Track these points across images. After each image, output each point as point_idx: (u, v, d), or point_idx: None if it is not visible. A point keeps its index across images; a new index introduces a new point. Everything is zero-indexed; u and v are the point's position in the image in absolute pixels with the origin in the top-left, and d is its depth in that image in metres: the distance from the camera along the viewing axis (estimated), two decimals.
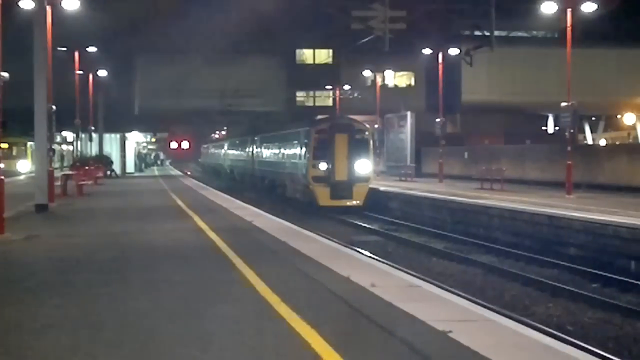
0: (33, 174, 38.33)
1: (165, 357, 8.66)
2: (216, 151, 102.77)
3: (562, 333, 13.80)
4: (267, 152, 56.99)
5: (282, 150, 49.66)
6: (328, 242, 20.11)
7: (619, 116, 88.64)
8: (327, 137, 40.28)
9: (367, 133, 41.80)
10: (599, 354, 11.29)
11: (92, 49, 60.17)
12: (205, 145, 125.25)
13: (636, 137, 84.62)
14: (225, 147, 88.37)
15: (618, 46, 72.97)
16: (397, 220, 36.07)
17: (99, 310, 11.27)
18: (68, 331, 9.94)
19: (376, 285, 12.84)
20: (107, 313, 11.06)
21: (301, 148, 42.84)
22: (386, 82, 78.19)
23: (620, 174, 42.50)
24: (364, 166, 40.42)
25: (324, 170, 40.12)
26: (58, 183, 40.43)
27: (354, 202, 40.09)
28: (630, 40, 72.60)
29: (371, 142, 41.83)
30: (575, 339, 13.28)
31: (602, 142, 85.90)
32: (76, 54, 56.42)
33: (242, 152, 72.21)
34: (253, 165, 63.23)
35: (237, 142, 77.89)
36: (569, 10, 36.47)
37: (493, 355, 8.50)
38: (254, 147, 62.73)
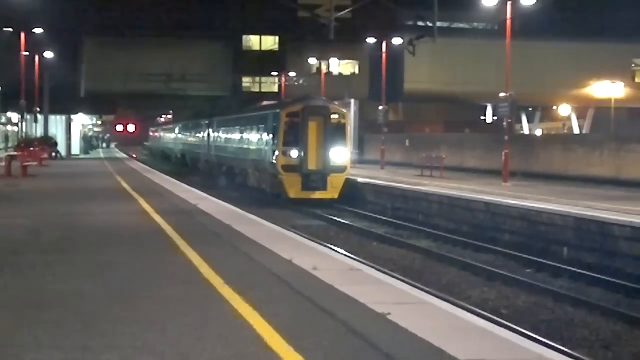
0: None
1: (107, 337, 8.60)
2: (166, 135, 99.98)
3: (497, 316, 13.94)
4: (225, 137, 51.89)
5: (245, 135, 44.58)
6: (272, 225, 20.08)
7: (554, 108, 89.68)
8: (300, 120, 35.61)
9: (343, 118, 36.94)
10: (532, 337, 11.41)
11: (38, 31, 59.55)
12: (153, 129, 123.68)
13: (571, 128, 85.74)
14: (177, 131, 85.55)
15: (556, 40, 73.81)
16: (339, 206, 36.06)
17: (43, 291, 11.17)
18: (11, 311, 9.86)
19: (318, 268, 12.87)
20: (51, 293, 10.97)
21: (269, 133, 38.01)
22: (331, 69, 78.17)
23: (555, 164, 43.10)
24: (340, 155, 35.83)
25: (295, 159, 35.48)
26: (2, 164, 39.97)
27: (329, 195, 35.68)
28: (567, 35, 73.52)
29: (348, 127, 37.34)
30: (509, 322, 13.41)
31: (539, 133, 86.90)
32: (22, 35, 55.75)
33: (196, 136, 67.93)
34: (209, 150, 58.36)
35: (191, 125, 74.17)
36: (509, 3, 36.78)
37: (430, 337, 8.55)
38: (210, 131, 57.92)
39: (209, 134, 58.31)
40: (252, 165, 41.96)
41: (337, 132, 35.70)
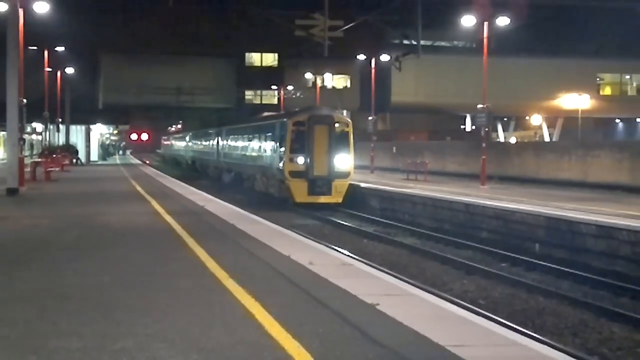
0: (5, 161, 37.78)
1: (122, 325, 8.60)
2: (177, 143, 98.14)
3: (475, 306, 13.94)
4: (234, 145, 49.66)
5: (253, 143, 42.45)
6: (272, 224, 20.07)
7: (527, 117, 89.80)
8: (306, 129, 33.84)
9: (347, 126, 34.95)
10: (507, 324, 11.42)
11: (60, 48, 59.63)
12: (165, 137, 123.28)
13: (542, 136, 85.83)
14: (187, 139, 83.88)
15: (528, 56, 73.93)
16: (333, 206, 35.93)
17: (64, 284, 11.16)
18: (35, 302, 9.85)
19: (314, 263, 12.87)
20: (71, 286, 10.96)
21: (276, 141, 36.17)
22: (325, 83, 78.25)
23: (527, 168, 43.14)
24: (344, 161, 34.06)
25: (301, 165, 33.74)
26: (28, 169, 39.93)
27: (333, 199, 33.93)
28: (539, 52, 73.71)
29: (352, 135, 34.99)
30: (486, 311, 13.42)
31: (513, 140, 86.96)
32: (45, 52, 55.79)
33: (206, 144, 65.25)
34: (218, 157, 56.07)
35: (200, 134, 72.16)
36: (485, 23, 36.89)
37: (415, 325, 8.56)
38: (220, 138, 55.68)
39: (217, 142, 56.42)
40: (260, 171, 40.35)
41: (341, 139, 34.18)
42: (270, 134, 37.74)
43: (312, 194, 33.57)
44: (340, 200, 33.95)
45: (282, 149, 34.52)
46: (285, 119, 35.65)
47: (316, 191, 33.52)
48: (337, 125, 34.24)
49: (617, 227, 19.80)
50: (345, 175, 34.19)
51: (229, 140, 51.43)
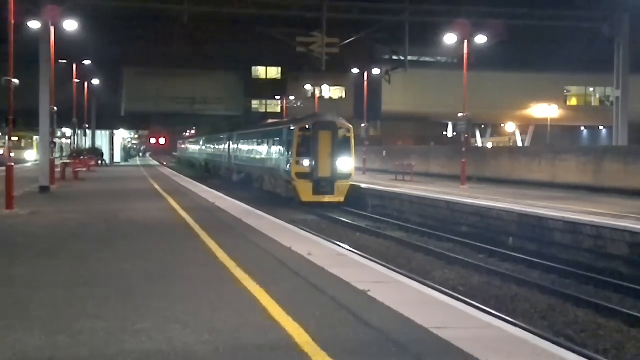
0: (38, 162, 37.83)
1: (142, 308, 8.63)
2: (192, 146, 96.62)
3: (455, 292, 13.96)
4: (244, 148, 48.13)
5: (262, 147, 41.10)
6: (275, 219, 20.10)
7: (502, 125, 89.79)
8: (311, 134, 32.74)
9: (349, 132, 33.85)
10: (483, 309, 11.44)
11: (87, 62, 59.76)
12: (181, 141, 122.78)
13: (515, 141, 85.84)
14: (201, 143, 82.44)
15: (503, 71, 73.94)
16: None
17: (90, 272, 11.20)
18: (64, 287, 9.89)
19: (312, 254, 12.90)
20: (96, 274, 11.00)
21: (284, 145, 35.04)
22: (323, 94, 78.24)
23: (502, 170, 43.06)
24: (346, 164, 33.03)
25: (307, 167, 32.67)
26: (58, 170, 39.95)
27: (336, 199, 32.88)
28: (513, 67, 73.79)
29: (353, 140, 33.95)
30: (465, 297, 13.45)
31: (489, 145, 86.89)
32: (74, 66, 55.86)
33: (218, 148, 63.74)
34: (229, 159, 54.74)
35: (213, 138, 70.10)
36: (465, 41, 36.96)
37: (402, 309, 8.59)
38: (231, 143, 54.24)
39: (229, 146, 55.05)
40: (268, 173, 39.05)
41: (343, 144, 33.08)
42: (278, 138, 36.65)
43: (317, 194, 32.64)
44: (342, 199, 33.08)
45: (289, 152, 33.56)
46: (292, 126, 34.68)
47: (320, 191, 32.61)
48: (339, 130, 33.26)
49: (582, 222, 19.84)
50: (347, 176, 33.27)
51: (240, 145, 50.22)
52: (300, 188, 32.68)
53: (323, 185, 32.54)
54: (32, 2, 33.51)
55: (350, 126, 34.13)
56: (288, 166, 33.57)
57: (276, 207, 31.53)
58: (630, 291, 15.18)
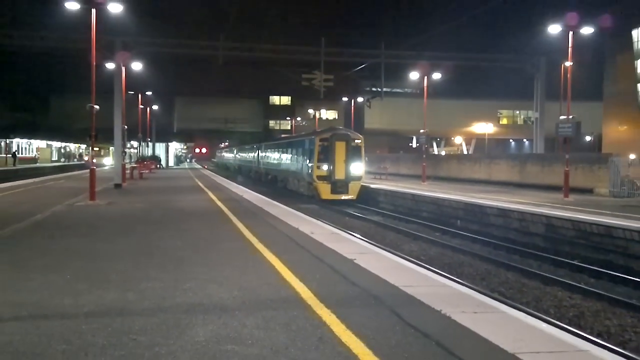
0: (113, 166, 37.77)
1: (189, 272, 8.62)
2: (227, 154, 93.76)
3: (419, 260, 13.96)
4: (271, 155, 44.86)
5: (287, 154, 37.98)
6: (286, 207, 20.06)
7: (452, 138, 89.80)
8: (329, 144, 30.27)
9: (360, 142, 30.98)
10: (439, 272, 11.41)
11: (148, 92, 59.82)
12: (219, 150, 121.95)
13: (462, 150, 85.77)
14: (235, 152, 79.67)
15: (453, 98, 74.01)
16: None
17: (151, 246, 11.18)
18: (132, 258, 9.87)
19: (314, 232, 12.89)
20: (155, 248, 10.98)
21: (306, 153, 32.44)
22: (321, 116, 78.29)
23: (452, 171, 43.06)
24: (357, 168, 30.46)
25: (326, 171, 30.23)
26: (127, 172, 39.91)
27: (349, 196, 30.40)
28: (460, 95, 73.92)
29: (363, 149, 31.15)
30: (426, 264, 13.44)
31: (443, 153, 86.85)
32: (139, 95, 55.90)
33: (249, 155, 60.04)
34: (258, 164, 51.18)
35: (245, 148, 66.34)
36: (425, 77, 36.98)
37: (379, 272, 8.59)
38: (260, 151, 50.88)
39: (258, 154, 51.73)
40: (292, 175, 35.92)
41: (355, 152, 30.34)
42: (301, 148, 33.93)
43: (334, 193, 30.24)
44: (355, 197, 30.41)
45: (311, 159, 30.99)
46: (313, 137, 31.94)
47: (337, 190, 30.22)
48: (352, 141, 30.56)
49: (510, 209, 19.85)
50: (359, 178, 30.65)
51: (267, 152, 47.11)
52: (321, 188, 30.37)
53: (339, 185, 30.24)
54: (109, 49, 33.55)
55: (361, 137, 31.45)
56: (310, 170, 31.09)
57: (287, 199, 31.50)
58: (546, 259, 15.20)
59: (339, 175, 30.17)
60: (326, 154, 30.29)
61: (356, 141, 30.76)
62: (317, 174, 30.37)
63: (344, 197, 30.27)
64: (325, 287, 7.67)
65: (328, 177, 30.22)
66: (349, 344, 5.45)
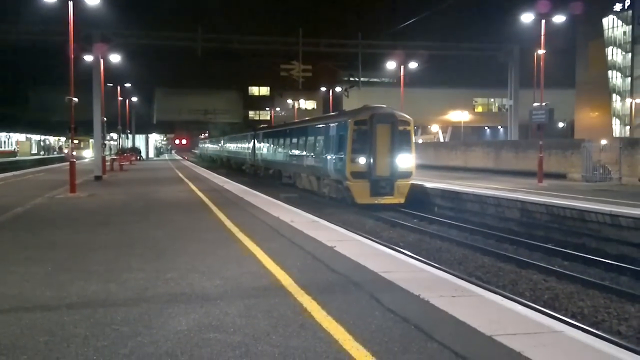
0: (93, 158, 37.41)
1: (171, 262, 8.57)
2: (212, 145, 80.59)
3: (397, 247, 14.02)
4: (273, 145, 35.50)
5: (299, 143, 28.80)
6: (266, 197, 20.01)
7: (429, 126, 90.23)
8: (368, 128, 21.65)
9: (409, 126, 22.38)
10: (417, 257, 11.50)
11: (127, 84, 59.28)
12: (202, 140, 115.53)
13: (438, 138, 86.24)
14: (222, 142, 67.65)
15: (430, 87, 74.34)
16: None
17: (131, 237, 11.09)
18: (114, 249, 9.78)
19: (294, 221, 12.88)
20: (137, 238, 10.90)
21: (332, 141, 23.54)
22: (301, 106, 78.12)
23: (430, 158, 43.29)
24: (406, 161, 21.98)
25: (362, 165, 21.61)
26: (107, 163, 39.53)
27: (396, 200, 21.93)
28: (436, 84, 74.23)
29: (412, 134, 22.57)
30: (404, 249, 13.50)
31: (420, 141, 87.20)
32: (118, 87, 55.38)
33: (240, 146, 50.30)
34: (254, 157, 42.01)
35: (235, 138, 56.41)
36: (402, 66, 37.06)
37: (358, 258, 8.61)
38: (256, 141, 41.52)
39: (254, 144, 42.18)
40: (307, 171, 27.44)
41: (403, 138, 22.02)
42: (323, 135, 24.89)
43: (375, 195, 21.86)
44: (402, 200, 22.08)
45: (342, 149, 22.35)
46: (346, 119, 22.85)
47: (378, 192, 21.88)
48: (399, 123, 22.08)
49: (485, 195, 20.00)
50: (408, 175, 22.18)
51: (267, 142, 37.76)
52: (355, 189, 21.86)
53: (382, 185, 21.89)
54: (87, 41, 33.16)
55: (410, 118, 22.77)
56: (341, 164, 22.39)
57: (267, 188, 31.37)
58: (521, 243, 15.34)
59: (382, 171, 21.80)
60: (363, 143, 21.78)
61: (405, 124, 22.35)
62: (351, 169, 21.82)
63: (387, 200, 22.03)
64: (306, 275, 7.66)
65: (367, 174, 21.76)
66: (329, 329, 5.46)
